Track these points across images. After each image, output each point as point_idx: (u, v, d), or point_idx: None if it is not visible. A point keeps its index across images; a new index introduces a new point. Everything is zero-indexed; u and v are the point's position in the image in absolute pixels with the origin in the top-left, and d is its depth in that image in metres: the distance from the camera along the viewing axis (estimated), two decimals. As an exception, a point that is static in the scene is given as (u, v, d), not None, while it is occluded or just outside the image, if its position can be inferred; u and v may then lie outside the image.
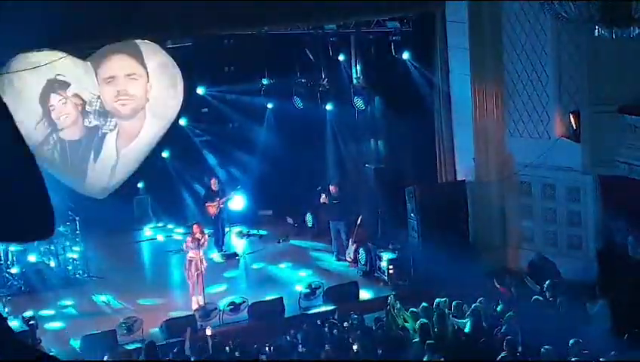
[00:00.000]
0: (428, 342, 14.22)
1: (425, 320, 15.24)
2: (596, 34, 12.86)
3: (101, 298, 19.21)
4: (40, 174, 2.98)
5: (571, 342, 13.42)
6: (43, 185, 3.03)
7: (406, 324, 15.53)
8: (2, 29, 14.46)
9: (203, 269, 18.33)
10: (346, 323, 16.10)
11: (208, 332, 16.13)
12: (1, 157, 2.93)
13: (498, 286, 17.22)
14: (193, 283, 18.29)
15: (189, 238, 18.73)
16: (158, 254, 22.51)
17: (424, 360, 13.85)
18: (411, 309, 16.09)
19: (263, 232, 23.47)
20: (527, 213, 19.64)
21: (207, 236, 18.90)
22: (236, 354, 14.92)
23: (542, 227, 19.45)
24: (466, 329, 14.99)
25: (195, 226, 18.94)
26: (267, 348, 15.09)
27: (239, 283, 20.25)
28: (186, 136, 23.85)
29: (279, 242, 22.87)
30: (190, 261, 18.30)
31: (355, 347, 14.65)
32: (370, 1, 19.29)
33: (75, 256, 20.59)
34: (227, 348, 15.19)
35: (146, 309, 18.36)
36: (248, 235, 23.21)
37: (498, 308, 15.90)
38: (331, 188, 21.27)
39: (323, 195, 21.23)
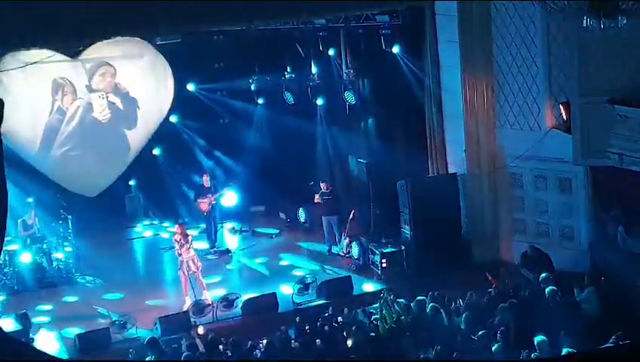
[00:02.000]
0: (421, 335, 14.25)
1: (418, 314, 15.28)
2: (585, 24, 12.86)
3: (93, 296, 19.24)
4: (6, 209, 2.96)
5: (563, 331, 13.48)
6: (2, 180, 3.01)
7: (400, 318, 15.55)
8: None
9: (195, 269, 18.29)
10: (340, 318, 16.11)
11: (200, 331, 16.12)
12: None
13: (489, 277, 17.26)
14: (184, 283, 18.30)
15: (173, 238, 18.77)
16: (150, 252, 22.49)
17: (418, 353, 13.89)
18: (404, 302, 16.13)
19: (273, 231, 23.36)
20: (519, 205, 19.67)
21: (190, 237, 18.79)
22: (228, 352, 14.90)
23: (534, 218, 19.48)
24: (460, 322, 15.02)
25: (177, 227, 18.93)
26: (261, 344, 15.09)
27: (232, 280, 20.23)
28: (177, 133, 23.82)
29: (272, 237, 22.88)
30: (181, 262, 18.31)
31: (349, 342, 14.65)
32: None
33: (67, 254, 20.56)
34: (220, 346, 15.17)
35: (140, 306, 18.34)
36: (241, 231, 23.19)
37: (491, 300, 15.93)
38: (322, 185, 21.28)
39: (316, 196, 21.21)
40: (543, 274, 16.48)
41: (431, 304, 15.51)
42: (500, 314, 14.85)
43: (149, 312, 17.84)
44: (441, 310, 15.34)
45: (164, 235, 23.14)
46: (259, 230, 23.26)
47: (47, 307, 18.89)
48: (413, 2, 19.92)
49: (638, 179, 16.88)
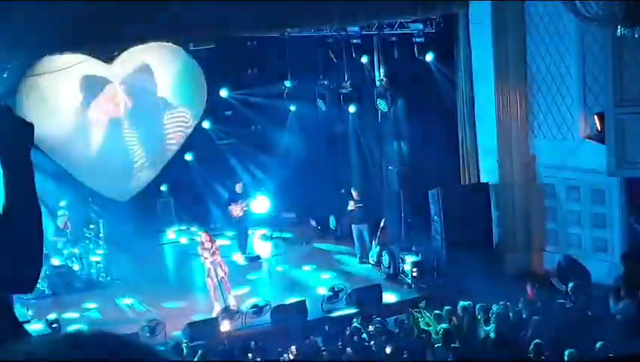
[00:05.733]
0: (452, 345, 14.16)
1: (448, 324, 15.19)
2: (619, 33, 12.76)
3: (124, 301, 19.26)
4: (41, 231, 2.92)
5: (599, 344, 13.31)
6: (41, 240, 2.95)
7: (429, 328, 15.47)
8: (25, 31, 14.52)
9: (223, 275, 18.29)
10: (371, 327, 16.03)
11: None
12: (15, 209, 2.88)
13: (529, 290, 17.06)
14: (213, 289, 18.28)
15: (199, 247, 18.77)
16: (181, 257, 22.53)
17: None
18: (435, 312, 16.05)
19: (287, 235, 23.42)
20: (551, 216, 19.54)
21: (217, 243, 18.84)
22: (258, 359, 14.88)
23: (566, 229, 19.33)
24: (491, 333, 14.91)
25: (203, 235, 18.98)
26: (289, 351, 15.05)
27: (262, 286, 20.22)
28: (210, 139, 23.89)
29: (303, 244, 22.88)
30: (209, 269, 18.31)
31: (388, 350, 14.51)
32: (394, 2, 19.25)
33: (99, 258, 20.66)
34: (249, 354, 15.14)
35: (169, 312, 18.39)
36: (272, 238, 23.20)
37: (522, 311, 15.80)
38: (353, 193, 21.27)
39: (351, 203, 21.18)
40: (572, 285, 16.34)
41: (461, 314, 15.42)
42: (532, 326, 14.71)
43: (178, 317, 17.84)
44: (472, 320, 15.25)
45: (199, 239, 23.23)
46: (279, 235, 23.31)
47: (77, 311, 18.93)
48: (448, 10, 19.85)
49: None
